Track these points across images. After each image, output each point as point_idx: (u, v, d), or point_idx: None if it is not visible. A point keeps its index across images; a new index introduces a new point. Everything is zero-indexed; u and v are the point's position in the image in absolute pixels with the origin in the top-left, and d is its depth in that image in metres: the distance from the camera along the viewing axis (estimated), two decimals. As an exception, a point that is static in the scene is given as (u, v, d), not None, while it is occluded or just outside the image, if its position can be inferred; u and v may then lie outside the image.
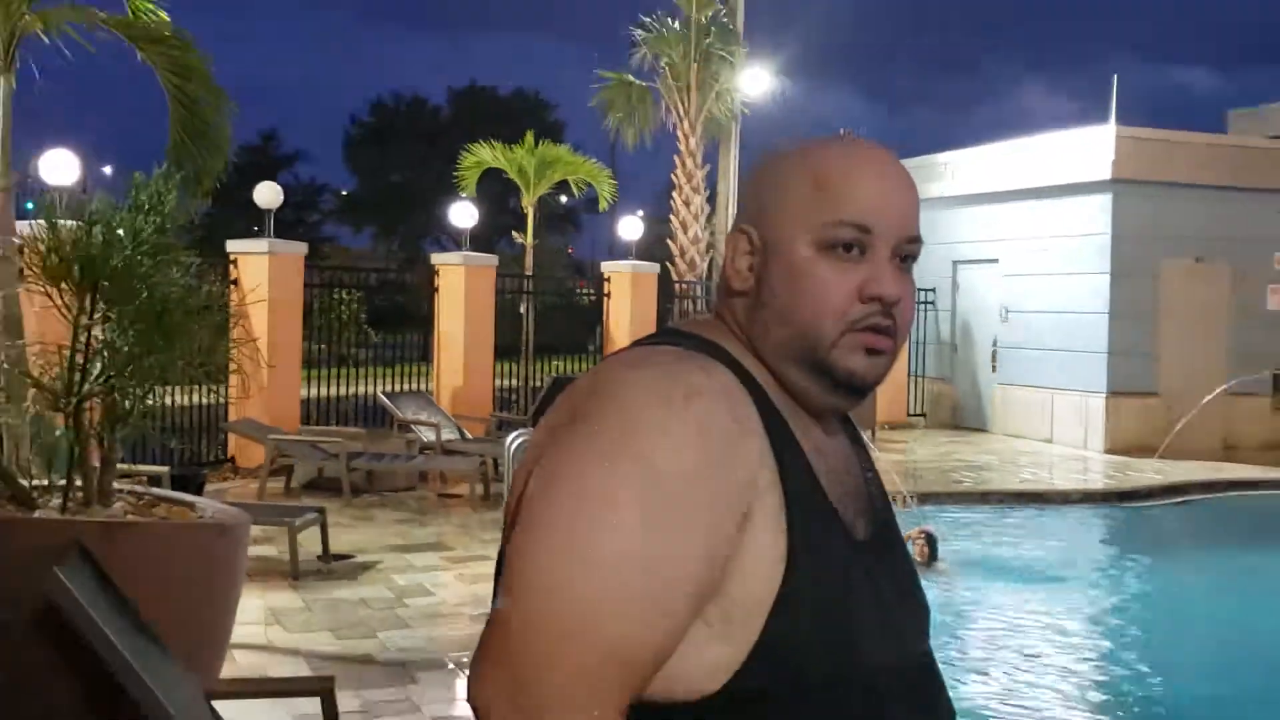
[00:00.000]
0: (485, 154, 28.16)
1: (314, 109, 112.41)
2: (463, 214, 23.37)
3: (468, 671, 1.74)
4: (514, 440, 9.38)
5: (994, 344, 25.30)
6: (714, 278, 22.76)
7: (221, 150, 11.55)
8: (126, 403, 6.39)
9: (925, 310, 26.37)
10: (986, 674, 9.67)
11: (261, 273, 17.47)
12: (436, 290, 20.83)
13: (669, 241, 27.60)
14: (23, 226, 9.91)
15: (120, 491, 6.63)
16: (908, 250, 1.94)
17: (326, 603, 10.31)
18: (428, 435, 16.91)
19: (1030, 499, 17.25)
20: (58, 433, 6.90)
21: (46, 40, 10.95)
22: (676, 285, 25.74)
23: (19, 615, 5.05)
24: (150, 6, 11.25)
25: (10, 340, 8.42)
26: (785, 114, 30.38)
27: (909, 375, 25.80)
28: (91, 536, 5.31)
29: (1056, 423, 23.39)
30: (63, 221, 6.39)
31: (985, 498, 17.14)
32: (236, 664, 8.21)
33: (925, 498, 16.10)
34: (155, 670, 4.68)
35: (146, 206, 6.44)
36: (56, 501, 6.12)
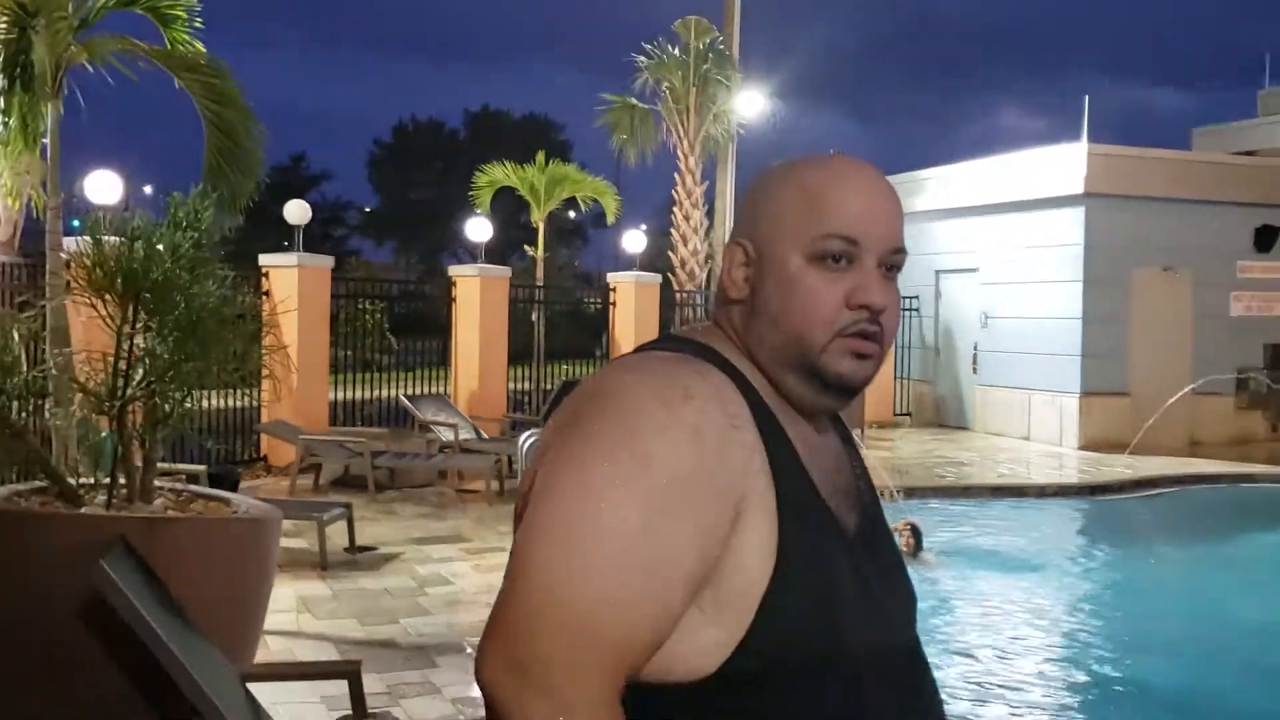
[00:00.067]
0: (498, 173, 28.20)
1: (340, 132, 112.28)
2: (478, 229, 23.38)
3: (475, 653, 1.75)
4: (526, 439, 9.39)
5: (974, 348, 25.27)
6: (712, 287, 22.80)
7: (254, 171, 11.57)
8: (166, 406, 6.40)
9: (910, 316, 26.36)
10: (970, 656, 9.67)
11: (291, 284, 17.47)
12: (454, 300, 20.85)
13: (670, 254, 27.60)
14: (70, 242, 9.94)
15: (161, 489, 6.63)
16: (893, 260, 1.95)
17: (353, 592, 10.31)
18: (446, 435, 16.91)
19: (1009, 492, 17.22)
20: (103, 434, 6.91)
21: (91, 69, 10.98)
22: (677, 294, 25.73)
23: (68, 605, 5.06)
24: (186, 38, 11.27)
25: (58, 348, 8.44)
26: (778, 134, 30.42)
27: (895, 377, 25.83)
28: (135, 531, 5.32)
29: (1033, 421, 23.36)
30: (107, 238, 6.40)
31: (967, 491, 17.11)
32: (269, 649, 8.22)
33: (911, 492, 16.09)
34: (194, 655, 4.69)
35: (184, 223, 6.45)
36: (102, 498, 6.12)
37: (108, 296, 6.24)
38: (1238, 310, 23.60)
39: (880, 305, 1.91)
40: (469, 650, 8.51)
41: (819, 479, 1.92)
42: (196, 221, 6.51)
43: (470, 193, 28.53)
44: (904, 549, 12.03)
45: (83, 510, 5.88)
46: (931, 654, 2.13)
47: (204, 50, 11.40)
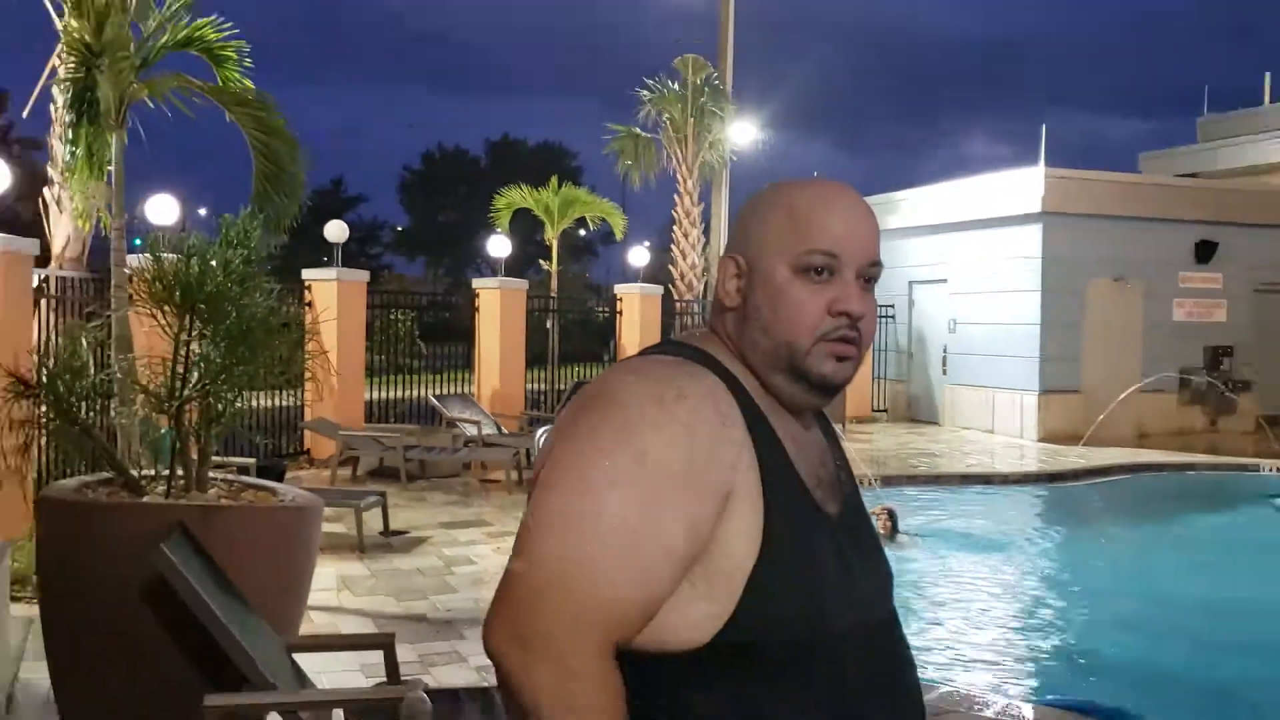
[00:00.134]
0: (516, 196, 28.24)
1: (374, 159, 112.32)
2: (498, 246, 23.41)
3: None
4: (542, 434, 9.40)
5: (944, 351, 25.25)
6: (709, 297, 22.82)
7: (297, 194, 11.56)
8: (219, 406, 6.40)
9: (886, 323, 26.37)
10: (942, 626, 9.67)
11: (331, 296, 17.49)
12: (477, 310, 20.84)
13: (671, 267, 27.62)
14: (133, 259, 9.94)
15: (215, 480, 6.63)
16: (870, 273, 1.96)
17: (387, 571, 10.32)
18: (470, 430, 16.92)
19: (976, 480, 17.22)
20: (162, 431, 6.92)
21: (151, 104, 10.98)
22: (677, 304, 25.72)
23: (133, 584, 5.06)
24: (237, 75, 11.27)
25: (123, 354, 8.44)
26: (767, 159, 30.45)
27: (873, 377, 25.88)
28: (191, 518, 5.33)
29: (997, 416, 23.36)
30: (166, 255, 6.40)
31: (938, 480, 17.11)
32: (313, 622, 8.22)
33: (888, 480, 16.13)
34: (245, 628, 4.69)
35: (235, 242, 6.46)
36: (161, 489, 6.13)
37: (167, 307, 6.24)
38: (1180, 316, 23.63)
39: (859, 313, 1.93)
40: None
41: (804, 470, 1.93)
42: (246, 240, 6.52)
43: (491, 213, 28.56)
44: (881, 532, 12.03)
45: (144, 499, 5.88)
46: (907, 626, 2.13)
47: (252, 86, 11.40)
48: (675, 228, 27.79)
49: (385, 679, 5.41)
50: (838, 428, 2.32)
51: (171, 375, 6.25)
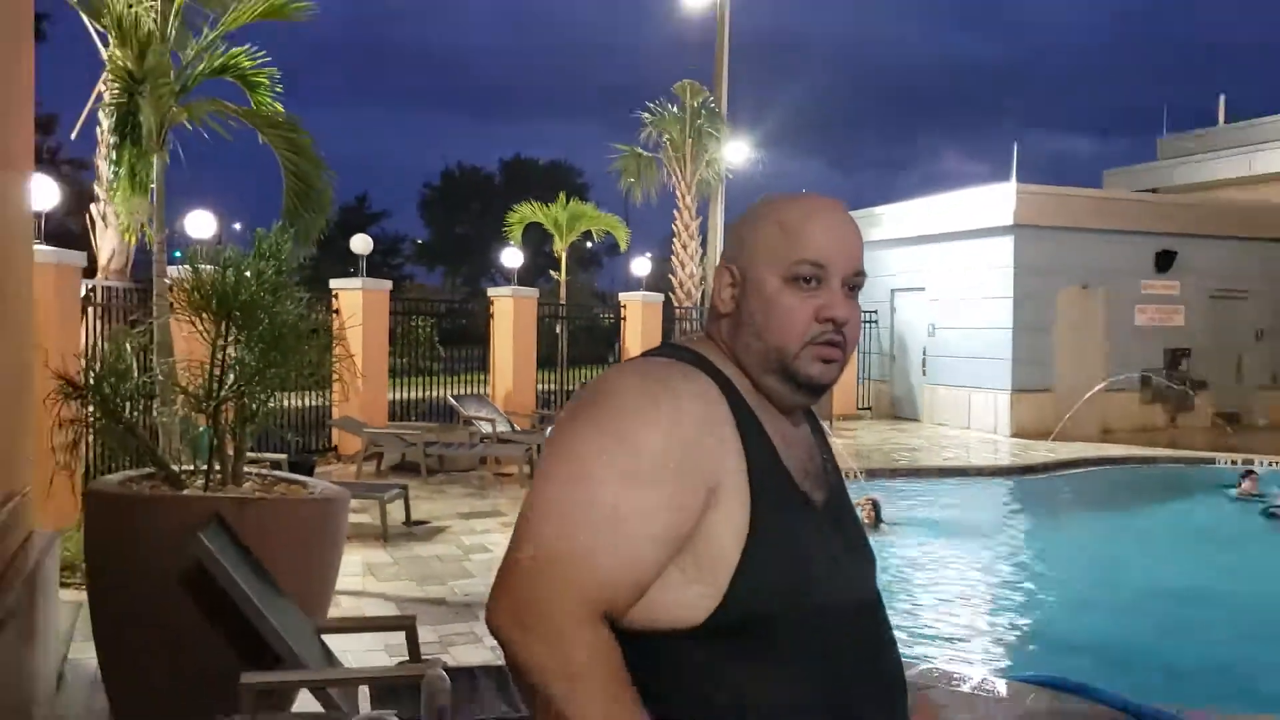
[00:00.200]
0: (528, 211, 28.26)
1: (396, 177, 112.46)
2: (511, 257, 23.42)
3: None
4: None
5: (923, 353, 25.26)
6: (706, 304, 22.78)
7: (324, 210, 11.57)
8: (253, 405, 6.40)
9: (869, 327, 26.39)
10: (922, 607, 9.66)
11: (356, 304, 17.50)
12: (491, 316, 20.86)
13: (671, 276, 27.64)
14: (172, 270, 9.94)
15: (249, 474, 6.63)
16: (855, 281, 1.97)
17: (409, 558, 10.32)
18: (486, 428, 16.93)
19: (953, 473, 17.20)
20: (200, 429, 6.91)
21: (190, 127, 10.99)
22: (677, 310, 25.72)
23: (172, 570, 5.06)
24: (269, 100, 11.28)
25: (164, 358, 8.45)
26: (760, 176, 30.44)
27: (858, 378, 25.89)
28: (227, 509, 5.33)
29: (973, 414, 23.36)
30: (203, 266, 6.40)
31: (918, 472, 17.09)
32: (340, 606, 8.22)
33: (871, 473, 16.12)
34: (278, 611, 4.70)
35: (267, 254, 6.45)
36: (200, 482, 6.13)
37: (204, 315, 6.24)
38: (1142, 321, 23.65)
39: (844, 319, 1.94)
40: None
41: (792, 464, 1.94)
42: (277, 252, 6.51)
43: (504, 227, 28.59)
44: (865, 521, 12.02)
45: (184, 492, 5.88)
46: (890, 607, 2.13)
47: (282, 109, 11.41)
48: (675, 240, 27.81)
49: (407, 658, 5.42)
50: (825, 424, 2.33)
51: (209, 377, 6.25)
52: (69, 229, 24.69)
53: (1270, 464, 17.47)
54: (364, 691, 5.07)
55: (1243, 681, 7.72)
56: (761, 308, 1.95)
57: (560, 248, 28.29)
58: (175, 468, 6.20)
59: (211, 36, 10.83)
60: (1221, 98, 31.33)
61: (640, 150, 28.10)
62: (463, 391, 20.73)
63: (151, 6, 10.51)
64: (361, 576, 9.53)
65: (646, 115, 27.67)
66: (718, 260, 2.06)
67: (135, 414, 6.60)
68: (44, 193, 10.39)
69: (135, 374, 6.65)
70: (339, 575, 6.69)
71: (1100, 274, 23.09)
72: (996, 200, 22.82)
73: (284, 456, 11.94)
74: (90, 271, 12.72)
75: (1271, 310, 25.08)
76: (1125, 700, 6.36)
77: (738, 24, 28.84)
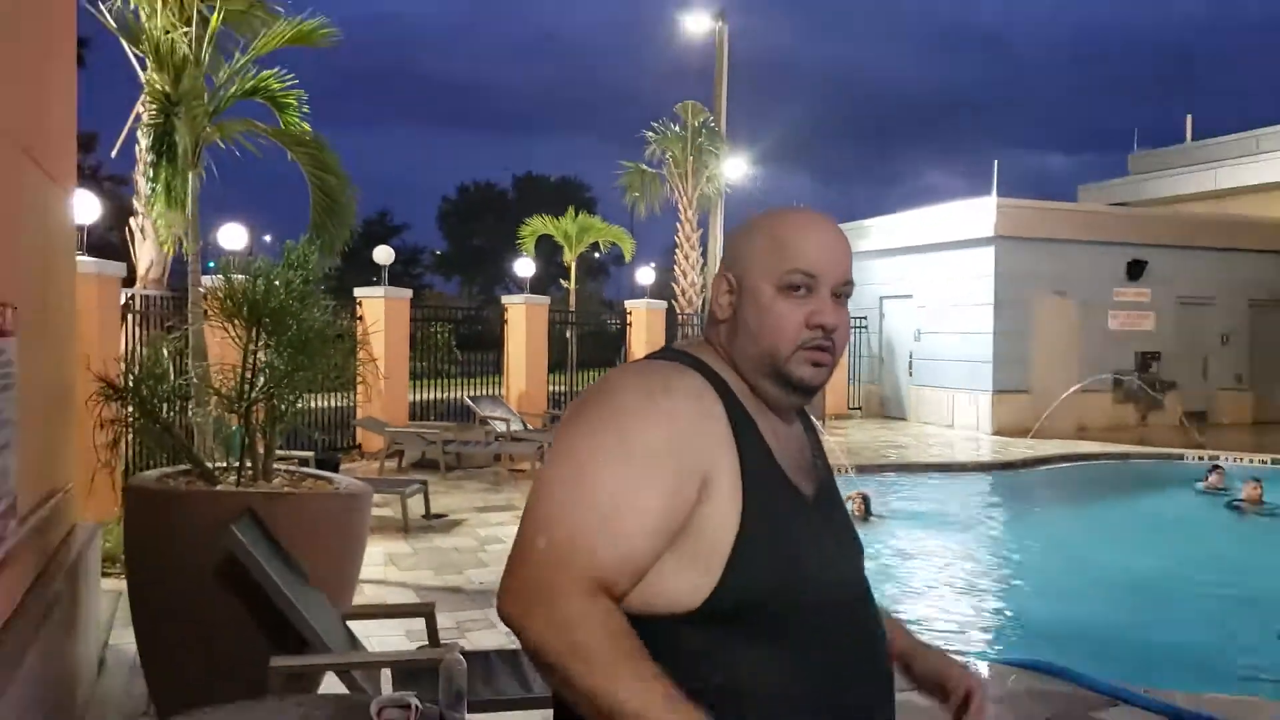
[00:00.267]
0: (539, 223, 28.34)
1: (416, 192, 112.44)
2: (524, 267, 23.40)
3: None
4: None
5: (910, 356, 25.26)
6: (706, 311, 22.84)
7: (348, 223, 11.56)
8: (282, 406, 6.39)
9: (859, 333, 26.40)
10: (909, 594, 9.66)
11: (379, 311, 17.51)
12: (505, 322, 20.86)
13: (673, 285, 27.63)
14: (206, 280, 9.95)
15: (278, 470, 6.62)
16: (843, 290, 1.98)
17: (428, 549, 10.31)
18: (500, 427, 16.95)
19: (938, 468, 17.22)
20: (233, 428, 6.91)
21: (222, 145, 10.99)
22: (679, 316, 25.71)
23: (208, 561, 5.06)
24: (296, 120, 11.27)
25: (198, 362, 8.44)
26: (757, 190, 30.45)
27: (849, 380, 25.90)
28: (258, 503, 5.32)
29: (956, 413, 23.36)
30: (235, 276, 6.40)
31: (906, 468, 17.08)
32: (364, 594, 8.22)
33: (862, 468, 16.10)
34: (305, 599, 4.69)
35: (295, 264, 6.45)
36: (232, 478, 6.12)
37: (236, 321, 6.24)
38: (1114, 326, 23.66)
39: (832, 325, 1.94)
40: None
41: (783, 459, 1.94)
42: (305, 262, 6.51)
43: (517, 239, 28.64)
44: (856, 514, 12.02)
45: (217, 488, 5.87)
46: (878, 594, 2.12)
47: (309, 128, 11.41)
48: (677, 250, 27.81)
49: (427, 643, 5.42)
50: (818, 423, 2.34)
51: (240, 380, 6.24)
52: (110, 241, 24.69)
53: (1235, 460, 17.48)
54: (386, 674, 5.07)
55: (1207, 662, 7.73)
56: (756, 314, 1.95)
57: (570, 258, 28.33)
58: (209, 465, 6.20)
59: (243, 61, 10.83)
60: (1189, 117, 31.38)
61: (645, 167, 28.12)
62: (479, 393, 20.74)
63: (186, 33, 10.51)
64: (384, 566, 9.53)
65: (650, 134, 27.70)
66: (717, 269, 2.07)
67: (172, 414, 6.61)
68: (86, 207, 10.41)
69: (172, 377, 6.66)
70: (362, 565, 6.69)
71: (1075, 282, 23.10)
72: (978, 213, 22.83)
73: (311, 454, 11.93)
74: (130, 281, 12.74)
75: (1235, 316, 25.12)
76: (1098, 680, 6.36)
77: (736, 49, 28.89)
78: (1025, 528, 13.28)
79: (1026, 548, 12.01)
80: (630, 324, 22.98)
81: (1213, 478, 14.99)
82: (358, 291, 18.35)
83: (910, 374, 25.27)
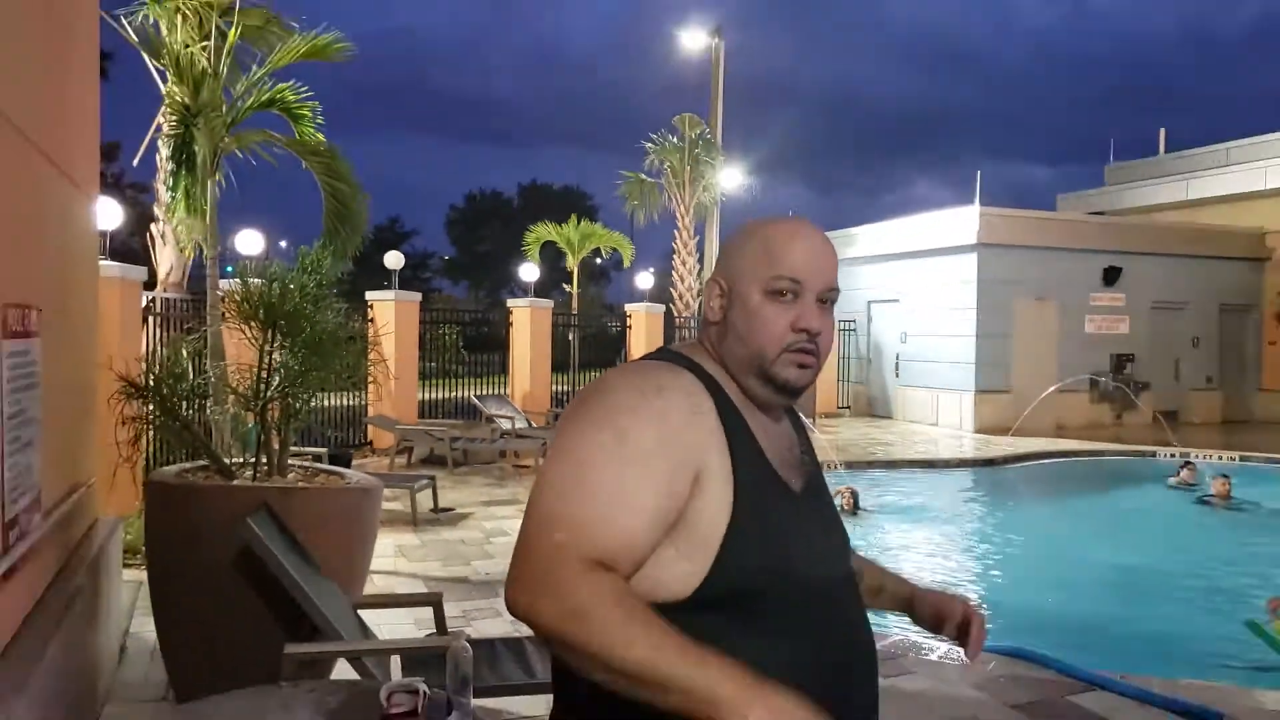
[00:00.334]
0: (543, 230, 28.36)
1: (425, 200, 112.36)
2: (528, 272, 23.45)
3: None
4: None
5: (896, 358, 25.25)
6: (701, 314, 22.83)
7: (360, 229, 11.57)
8: (297, 404, 6.38)
9: (848, 335, 26.41)
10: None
11: (390, 314, 17.52)
12: (511, 325, 20.86)
13: (671, 289, 27.63)
14: (224, 284, 9.95)
15: (293, 466, 6.62)
16: (828, 296, 1.98)
17: (436, 541, 10.30)
18: (506, 425, 16.94)
19: (923, 465, 17.20)
20: (249, 426, 6.90)
21: (240, 155, 11.00)
22: (677, 320, 25.68)
23: (225, 553, 5.05)
24: (311, 130, 11.28)
25: (216, 362, 8.43)
26: (751, 199, 30.43)
27: (838, 379, 25.88)
28: (273, 498, 5.31)
29: (940, 412, 23.36)
30: (252, 279, 6.40)
31: (892, 464, 17.08)
32: (374, 584, 8.22)
33: (850, 464, 16.11)
34: (318, 589, 4.68)
35: (309, 269, 6.44)
36: (249, 474, 6.11)
37: (253, 323, 6.23)
38: (1091, 329, 23.68)
39: (817, 329, 1.96)
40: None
41: (772, 455, 1.95)
42: (318, 267, 6.50)
43: (523, 245, 28.64)
44: (844, 508, 12.01)
45: (234, 483, 5.86)
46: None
47: (323, 138, 11.42)
48: (675, 257, 27.80)
49: (435, 630, 5.40)
50: (808, 421, 2.34)
51: (257, 379, 6.24)
52: (131, 247, 24.71)
53: (1205, 457, 17.49)
54: (395, 660, 5.06)
55: (1179, 649, 7.74)
56: (745, 317, 1.96)
57: (572, 263, 28.34)
58: (226, 460, 6.19)
59: (260, 74, 10.84)
60: (1162, 130, 31.36)
61: (644, 176, 28.12)
62: (485, 392, 20.73)
63: (205, 47, 10.52)
64: (393, 558, 9.52)
65: (649, 145, 27.71)
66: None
67: (190, 412, 6.59)
68: (109, 214, 10.40)
69: (191, 376, 6.65)
70: (373, 557, 6.68)
71: (1054, 287, 23.11)
72: (961, 222, 22.84)
73: (324, 450, 11.94)
74: (150, 285, 12.73)
75: (1206, 320, 25.17)
76: (1075, 667, 6.36)
77: (731, 65, 28.89)
78: (1006, 521, 13.27)
79: (1007, 540, 12.00)
80: (630, 326, 22.97)
81: (1185, 473, 14.99)
82: (369, 295, 18.35)
83: (896, 374, 25.27)
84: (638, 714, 1.64)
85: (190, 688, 5.22)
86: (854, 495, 12.47)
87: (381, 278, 19.18)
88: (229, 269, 11.97)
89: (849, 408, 26.38)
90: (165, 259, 13.75)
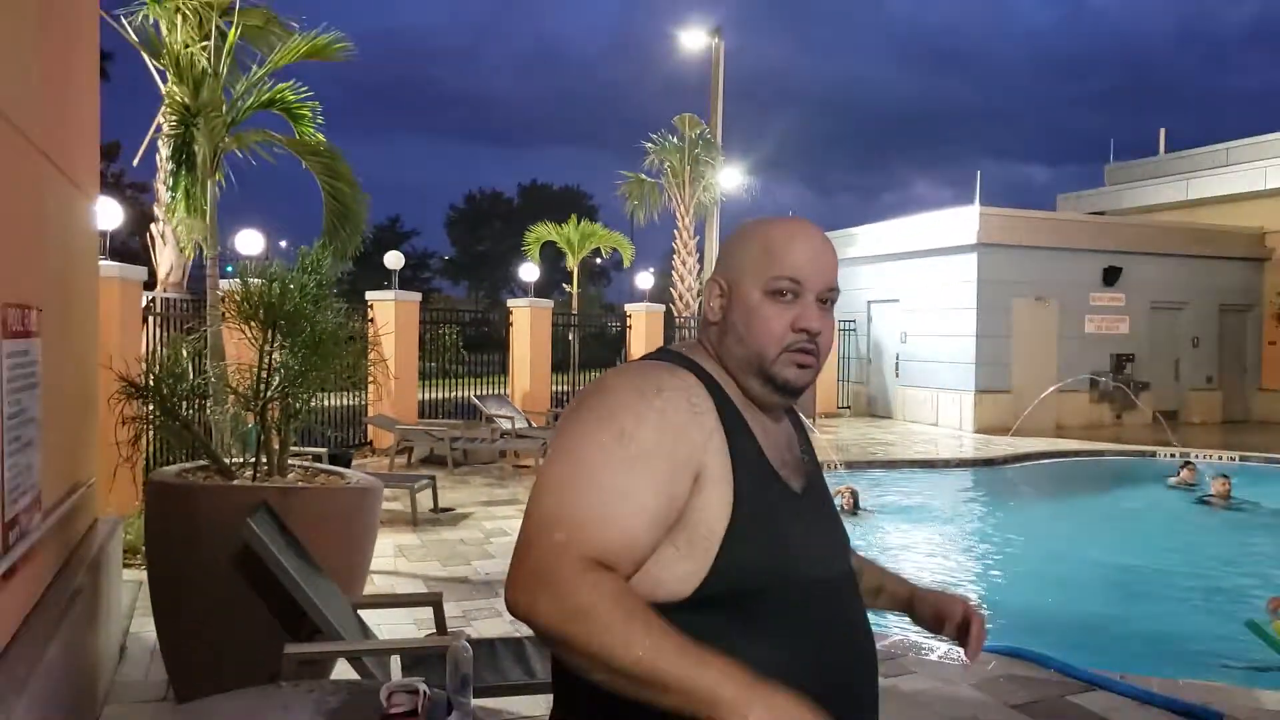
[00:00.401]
0: (543, 230, 28.31)
1: (425, 199, 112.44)
2: (528, 272, 23.42)
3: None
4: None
5: (896, 358, 25.25)
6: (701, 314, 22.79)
7: (360, 229, 11.57)
8: (296, 404, 6.38)
9: (848, 335, 26.41)
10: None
11: (390, 314, 17.51)
12: (510, 325, 20.85)
13: (671, 289, 27.61)
14: (224, 283, 9.95)
15: (293, 466, 6.61)
16: (828, 296, 1.98)
17: (436, 541, 10.30)
18: (506, 425, 16.92)
19: (923, 464, 17.19)
20: (249, 425, 6.90)
21: (240, 154, 10.99)
22: (677, 319, 25.67)
23: (225, 553, 5.05)
24: (311, 130, 11.28)
25: (216, 362, 8.43)
26: (751, 199, 30.41)
27: (838, 379, 25.88)
28: (273, 497, 5.31)
29: (940, 412, 23.35)
30: (252, 279, 6.39)
31: (892, 464, 17.06)
32: (374, 584, 8.22)
33: (850, 464, 16.10)
34: (317, 589, 4.68)
35: (309, 268, 6.43)
36: (248, 473, 6.11)
37: (253, 323, 6.23)
38: (1090, 329, 23.68)
39: (816, 330, 1.96)
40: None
41: (772, 454, 1.95)
42: (318, 267, 6.49)
43: (523, 245, 28.62)
44: (845, 508, 12.00)
45: (234, 483, 5.86)
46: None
47: (323, 138, 11.41)
48: (675, 257, 27.80)
49: (435, 630, 5.40)
50: (809, 421, 2.34)
51: (257, 379, 6.23)
52: (131, 247, 24.72)
53: (1205, 457, 17.49)
54: (395, 660, 5.06)
55: (1179, 649, 7.73)
56: (744, 317, 1.96)
57: (572, 263, 28.31)
58: (226, 460, 6.19)
59: (260, 74, 10.84)
60: (1162, 130, 31.37)
61: (644, 176, 28.11)
62: (485, 392, 20.73)
63: (205, 47, 10.52)
64: (393, 558, 9.51)
65: (650, 145, 27.71)
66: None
67: (190, 412, 6.60)
68: (109, 214, 10.39)
69: (190, 376, 6.65)
70: (373, 557, 6.68)
71: (1054, 287, 23.11)
72: (962, 221, 22.83)
73: (324, 450, 11.92)
74: (150, 284, 12.73)
75: (1206, 320, 25.17)
76: (1075, 667, 6.36)
77: (731, 65, 28.90)
78: (1005, 521, 13.26)
79: (1006, 540, 11.99)
80: (630, 326, 22.96)
81: (1185, 473, 15.00)
82: (369, 295, 18.35)
83: (896, 374, 25.27)
84: (637, 715, 1.63)
85: (190, 688, 5.21)
86: (854, 495, 12.46)
87: (381, 277, 19.17)
88: (229, 269, 11.96)
89: (849, 407, 26.38)
90: (165, 259, 13.75)
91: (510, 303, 21.63)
